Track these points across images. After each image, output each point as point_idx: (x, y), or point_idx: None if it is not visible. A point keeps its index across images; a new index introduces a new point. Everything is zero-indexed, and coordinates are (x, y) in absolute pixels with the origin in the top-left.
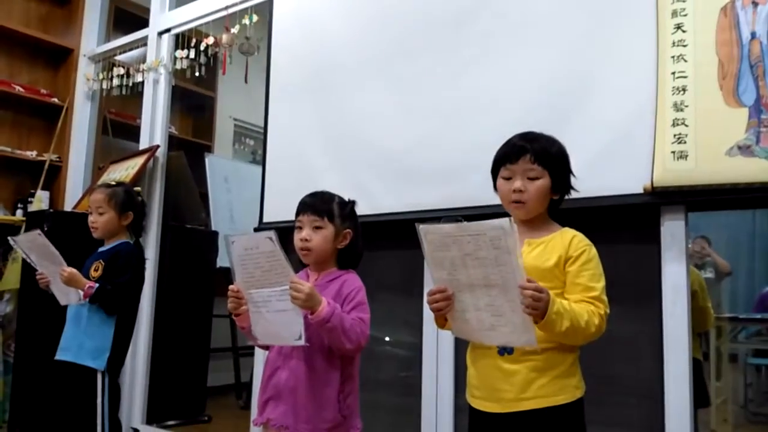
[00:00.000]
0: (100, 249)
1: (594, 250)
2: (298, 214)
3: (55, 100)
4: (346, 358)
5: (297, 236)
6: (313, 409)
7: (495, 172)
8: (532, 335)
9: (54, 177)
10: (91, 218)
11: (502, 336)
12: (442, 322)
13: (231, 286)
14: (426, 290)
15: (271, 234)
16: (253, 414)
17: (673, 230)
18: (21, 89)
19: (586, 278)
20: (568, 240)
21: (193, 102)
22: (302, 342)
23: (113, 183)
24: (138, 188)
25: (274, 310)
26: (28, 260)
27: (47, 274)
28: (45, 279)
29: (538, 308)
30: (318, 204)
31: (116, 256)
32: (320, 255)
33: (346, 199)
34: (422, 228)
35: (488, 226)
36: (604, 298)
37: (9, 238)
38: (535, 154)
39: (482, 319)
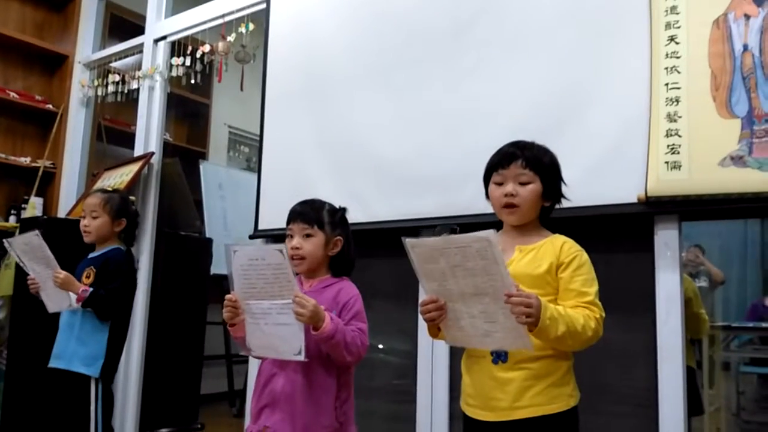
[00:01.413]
0: (91, 255)
1: (585, 255)
2: (288, 222)
3: (50, 106)
4: (343, 365)
5: (288, 245)
6: (311, 416)
7: (487, 180)
8: (527, 339)
9: (48, 183)
10: (84, 222)
11: (497, 341)
12: (435, 331)
13: (228, 296)
14: (420, 298)
15: (282, 247)
16: (246, 422)
17: (666, 239)
18: (16, 95)
19: (579, 283)
20: (558, 246)
21: (188, 109)
22: (301, 357)
23: (109, 189)
24: (132, 197)
25: (273, 323)
26: (21, 264)
27: (38, 279)
28: (36, 284)
29: (531, 315)
30: (308, 212)
31: (107, 263)
32: (312, 263)
33: (337, 206)
34: (409, 242)
35: (473, 239)
36: (598, 302)
37: (4, 240)
38: (526, 159)
39: (477, 326)
